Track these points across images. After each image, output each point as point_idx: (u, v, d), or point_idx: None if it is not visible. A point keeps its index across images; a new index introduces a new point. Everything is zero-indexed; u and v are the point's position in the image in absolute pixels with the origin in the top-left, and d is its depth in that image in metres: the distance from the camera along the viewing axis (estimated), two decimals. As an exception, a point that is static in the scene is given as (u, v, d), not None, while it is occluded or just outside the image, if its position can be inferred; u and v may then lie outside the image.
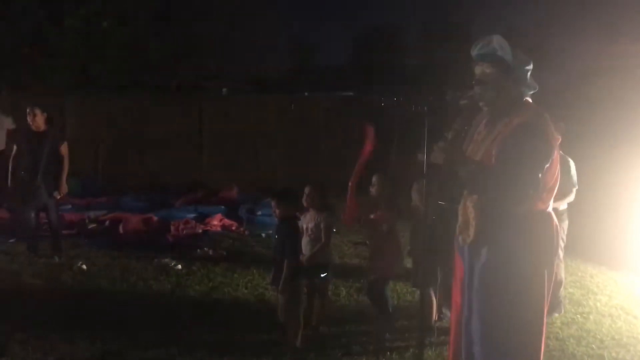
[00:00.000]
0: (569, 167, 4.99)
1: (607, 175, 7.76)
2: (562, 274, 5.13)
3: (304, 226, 4.51)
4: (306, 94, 16.36)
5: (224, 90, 19.47)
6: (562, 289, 5.10)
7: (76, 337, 4.35)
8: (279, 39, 21.49)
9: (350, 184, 4.53)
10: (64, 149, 6.56)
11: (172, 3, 17.03)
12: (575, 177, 5.02)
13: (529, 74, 2.76)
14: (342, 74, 30.89)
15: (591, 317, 4.99)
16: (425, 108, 2.92)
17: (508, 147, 2.61)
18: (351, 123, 12.47)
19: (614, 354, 4.22)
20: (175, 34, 16.85)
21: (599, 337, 4.55)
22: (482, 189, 2.67)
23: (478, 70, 2.79)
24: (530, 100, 2.80)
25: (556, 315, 4.94)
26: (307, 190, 4.53)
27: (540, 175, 2.59)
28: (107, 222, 8.16)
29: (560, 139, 5.03)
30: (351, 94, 15.50)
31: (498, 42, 2.73)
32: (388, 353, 4.20)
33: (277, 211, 4.28)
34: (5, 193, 6.98)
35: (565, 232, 5.09)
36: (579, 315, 4.98)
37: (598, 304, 5.32)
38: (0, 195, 7.43)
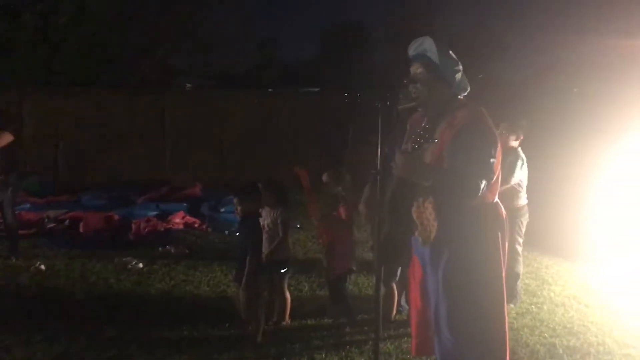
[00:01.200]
0: (514, 162, 5.07)
1: (562, 168, 7.99)
2: (520, 268, 5.26)
3: (262, 222, 4.54)
4: (270, 90, 16.33)
5: (188, 85, 19.32)
6: (519, 282, 5.24)
7: (33, 338, 4.30)
8: (244, 34, 21.38)
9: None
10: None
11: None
12: (517, 173, 5.08)
13: (458, 75, 2.87)
14: (307, 69, 30.89)
15: (545, 307, 5.14)
16: (379, 105, 2.99)
17: (458, 144, 2.71)
18: (316, 119, 12.59)
19: (565, 342, 4.36)
20: (137, 29, 16.63)
21: (551, 326, 4.69)
22: (440, 190, 2.76)
23: (412, 69, 2.94)
24: (463, 100, 2.90)
25: (511, 306, 5.06)
26: (261, 187, 4.55)
27: (492, 165, 2.70)
28: (67, 221, 8.03)
29: (521, 137, 5.17)
30: (317, 89, 15.55)
31: (428, 44, 2.86)
32: (347, 347, 4.26)
33: (239, 208, 4.29)
34: None
35: (524, 227, 5.22)
36: (533, 306, 5.12)
37: (552, 294, 5.48)
38: None
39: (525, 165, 5.15)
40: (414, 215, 2.85)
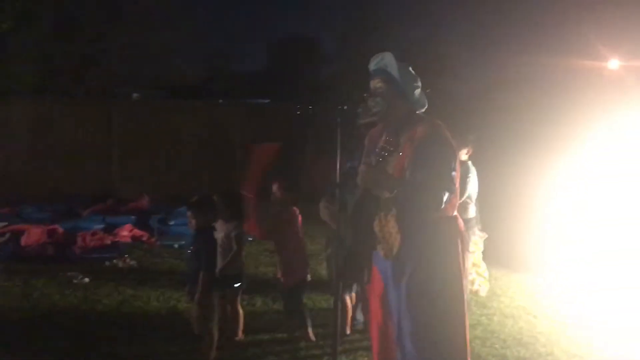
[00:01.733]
0: (467, 176, 5.17)
1: (510, 181, 8.20)
2: (467, 281, 5.32)
3: (216, 237, 4.46)
4: (220, 100, 16.18)
5: (135, 95, 18.94)
6: (466, 294, 5.29)
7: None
8: (192, 44, 21.15)
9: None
10: None
11: (79, 5, 16.39)
12: (469, 186, 5.18)
13: (416, 91, 2.92)
14: (257, 81, 30.83)
15: (495, 318, 5.23)
16: (339, 119, 3.00)
17: (419, 158, 2.74)
18: (267, 131, 12.54)
19: (515, 353, 4.45)
20: (83, 37, 16.22)
21: (502, 337, 4.78)
22: (403, 203, 2.77)
23: (372, 84, 2.96)
24: (421, 114, 2.94)
25: None
26: (216, 199, 4.48)
27: (454, 177, 2.74)
28: (7, 235, 7.69)
29: (470, 151, 5.29)
30: (267, 101, 15.50)
31: (388, 59, 2.90)
32: (303, 361, 4.23)
33: (193, 221, 4.20)
34: None
35: (471, 240, 5.30)
36: (484, 317, 5.21)
37: (502, 305, 5.59)
38: None
39: (475, 178, 5.26)
40: (376, 229, 2.85)
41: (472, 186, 5.23)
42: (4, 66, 14.56)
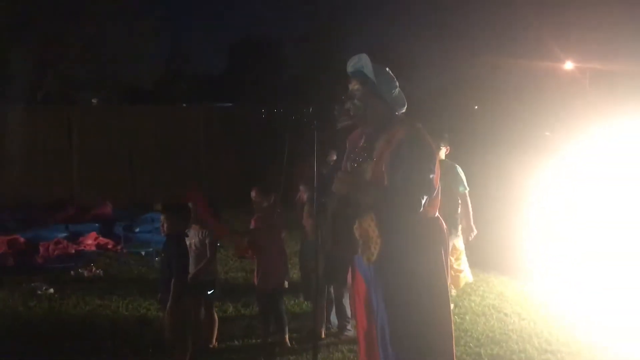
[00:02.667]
0: (456, 172, 5.32)
1: (478, 180, 8.31)
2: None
3: (189, 242, 4.38)
4: (184, 104, 15.98)
5: (94, 100, 18.55)
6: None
7: None
8: (151, 47, 20.80)
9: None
10: None
11: (34, 7, 15.93)
12: (464, 181, 5.36)
13: (394, 91, 2.91)
14: (217, 83, 30.60)
15: (467, 317, 5.29)
16: (315, 122, 2.99)
17: (397, 160, 2.73)
18: (230, 134, 12.44)
19: (489, 351, 4.50)
20: (39, 41, 15.79)
21: (475, 335, 4.83)
22: (382, 206, 2.75)
23: (350, 86, 2.96)
24: (401, 116, 2.94)
25: None
26: (190, 205, 4.40)
27: (432, 180, 2.74)
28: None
29: (448, 149, 5.37)
30: (230, 104, 15.39)
31: (365, 60, 2.89)
32: (279, 367, 4.19)
33: (166, 226, 4.10)
34: None
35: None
36: (456, 316, 5.24)
37: (472, 304, 5.65)
38: None
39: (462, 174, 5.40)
40: (357, 234, 2.83)
41: (464, 181, 5.36)
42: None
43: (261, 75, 28.63)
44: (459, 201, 5.36)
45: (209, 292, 4.44)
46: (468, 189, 5.41)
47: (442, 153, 5.34)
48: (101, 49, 18.06)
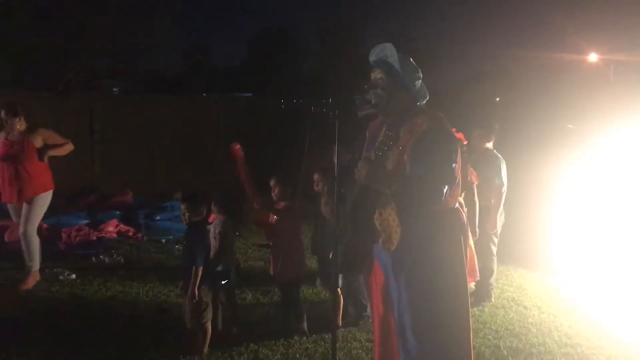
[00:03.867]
0: (498, 164, 5.32)
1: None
2: (495, 266, 5.50)
3: (211, 231, 4.43)
4: (205, 94, 16.05)
5: (115, 90, 18.70)
6: (492, 279, 5.48)
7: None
8: (172, 37, 20.90)
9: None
10: None
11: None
12: (505, 177, 5.34)
13: (418, 82, 2.89)
14: (237, 74, 30.68)
15: (486, 309, 5.26)
16: (336, 112, 2.99)
17: (419, 151, 2.72)
18: (249, 124, 12.48)
19: (508, 343, 4.48)
20: (62, 31, 15.92)
21: (494, 328, 4.81)
22: (403, 196, 2.74)
23: (372, 75, 2.93)
24: (423, 106, 2.92)
25: (486, 304, 5.33)
26: (210, 194, 4.46)
27: (454, 170, 2.72)
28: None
29: (493, 139, 5.41)
30: (249, 94, 15.43)
31: (389, 50, 2.86)
32: (297, 355, 4.21)
33: (187, 215, 4.15)
34: None
35: (500, 228, 5.45)
36: (474, 309, 5.22)
37: (492, 297, 5.61)
38: None
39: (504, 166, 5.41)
40: (377, 223, 2.83)
41: (504, 177, 5.36)
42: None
43: (281, 66, 28.63)
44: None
45: (222, 283, 4.45)
46: (505, 184, 5.33)
47: (491, 144, 5.42)
48: (122, 39, 18.18)
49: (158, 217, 8.38)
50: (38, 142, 5.74)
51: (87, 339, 4.45)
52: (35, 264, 5.75)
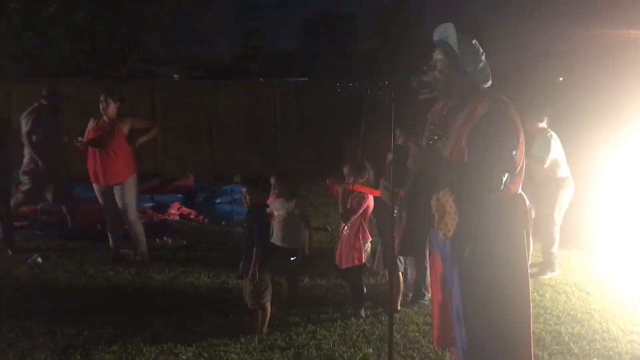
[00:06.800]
0: (547, 139, 5.53)
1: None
2: (557, 235, 5.70)
3: (274, 213, 4.53)
4: (262, 79, 16.21)
5: (176, 76, 19.12)
6: (555, 247, 5.67)
7: (36, 332, 4.26)
8: (230, 22, 21.21)
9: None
10: None
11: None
12: (554, 151, 5.53)
13: (480, 64, 2.79)
14: (294, 58, 30.75)
15: (547, 294, 5.16)
16: (392, 95, 2.94)
17: (478, 137, 2.64)
18: (306, 109, 12.56)
19: (570, 329, 4.38)
20: (124, 19, 16.40)
21: (555, 313, 4.72)
22: (461, 183, 2.70)
23: (433, 55, 2.85)
24: (485, 89, 2.82)
25: (550, 274, 5.56)
26: (272, 181, 4.55)
27: (514, 157, 2.65)
28: (60, 213, 7.88)
29: (545, 119, 5.60)
30: (306, 79, 15.47)
31: (450, 31, 2.78)
32: (354, 336, 4.25)
33: (248, 198, 4.26)
34: None
35: (566, 199, 5.66)
36: (535, 293, 5.13)
37: (553, 282, 5.50)
38: None
39: (558, 141, 5.59)
40: (434, 209, 2.80)
41: (557, 147, 5.57)
42: (49, 48, 14.87)
43: (338, 49, 28.51)
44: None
45: (292, 259, 4.56)
46: (549, 159, 5.49)
47: (544, 123, 5.61)
48: (181, 27, 18.56)
49: (218, 201, 8.58)
50: (126, 128, 5.97)
51: (150, 317, 4.61)
52: (141, 246, 6.08)
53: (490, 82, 2.83)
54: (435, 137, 2.79)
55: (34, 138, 6.69)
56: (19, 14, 14.24)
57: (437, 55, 2.81)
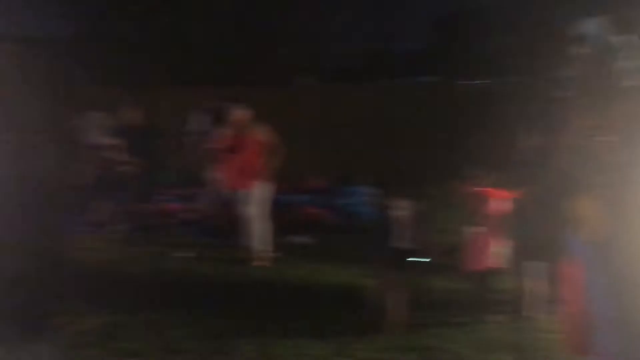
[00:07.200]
0: None
1: None
2: None
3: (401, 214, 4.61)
4: (390, 82, 16.24)
5: (309, 81, 19.69)
6: None
7: (187, 319, 4.67)
8: (352, 26, 21.44)
9: None
10: None
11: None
12: None
13: (631, 61, 2.65)
14: (419, 59, 30.24)
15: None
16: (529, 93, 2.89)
17: (631, 137, 2.53)
18: (440, 111, 12.36)
19: None
20: (259, 28, 17.24)
21: None
22: (612, 186, 2.60)
23: (577, 51, 2.75)
24: (636, 86, 2.67)
25: None
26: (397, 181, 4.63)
27: None
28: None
29: None
30: (434, 79, 15.24)
31: (599, 24, 2.66)
32: (483, 342, 4.21)
33: (378, 200, 4.38)
34: None
35: None
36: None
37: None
38: None
39: None
40: (575, 211, 2.71)
41: None
42: (193, 58, 16.01)
43: (465, 47, 27.69)
44: None
45: (417, 260, 4.60)
46: None
47: None
48: (312, 33, 19.12)
49: (349, 201, 8.78)
50: (258, 137, 6.37)
51: (284, 307, 4.93)
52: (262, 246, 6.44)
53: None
54: (592, 133, 2.70)
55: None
56: (167, 27, 15.50)
57: (583, 50, 2.68)
